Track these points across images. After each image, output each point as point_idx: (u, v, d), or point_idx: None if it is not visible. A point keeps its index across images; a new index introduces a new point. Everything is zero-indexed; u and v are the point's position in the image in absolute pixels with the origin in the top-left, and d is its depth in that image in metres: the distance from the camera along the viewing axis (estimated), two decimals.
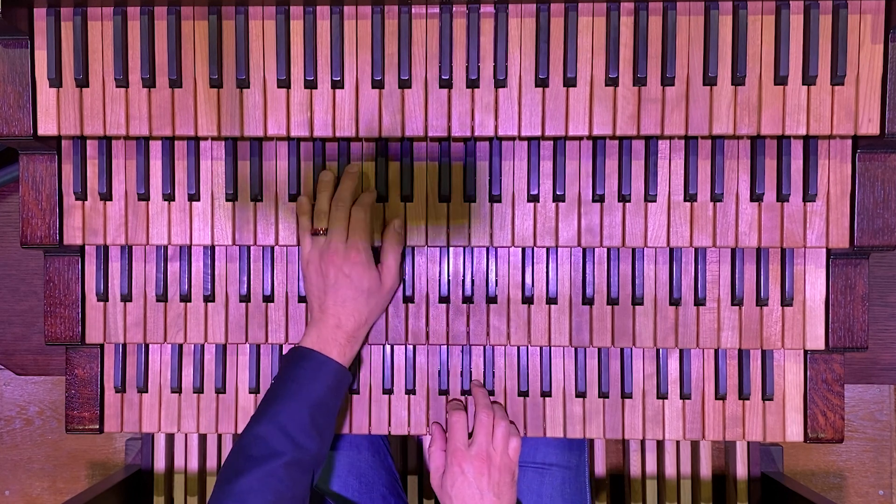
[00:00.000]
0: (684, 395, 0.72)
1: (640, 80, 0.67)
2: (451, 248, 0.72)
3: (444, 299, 0.72)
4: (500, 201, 0.70)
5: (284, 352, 0.74)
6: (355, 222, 0.67)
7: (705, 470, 1.19)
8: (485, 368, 0.73)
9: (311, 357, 0.65)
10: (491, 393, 0.73)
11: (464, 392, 0.73)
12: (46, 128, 0.69)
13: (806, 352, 0.72)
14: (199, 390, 0.74)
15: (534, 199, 0.70)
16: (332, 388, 0.65)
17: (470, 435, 0.70)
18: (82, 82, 0.69)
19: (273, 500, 0.60)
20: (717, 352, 0.72)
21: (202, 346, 0.74)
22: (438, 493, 0.70)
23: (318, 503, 0.77)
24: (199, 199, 0.71)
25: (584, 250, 0.71)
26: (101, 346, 0.74)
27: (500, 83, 0.68)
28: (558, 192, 0.70)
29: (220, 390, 0.74)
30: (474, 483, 0.67)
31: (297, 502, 0.62)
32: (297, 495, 0.62)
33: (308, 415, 0.63)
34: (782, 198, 0.69)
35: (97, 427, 0.74)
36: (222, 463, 0.63)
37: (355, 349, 0.68)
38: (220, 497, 0.61)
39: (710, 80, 0.67)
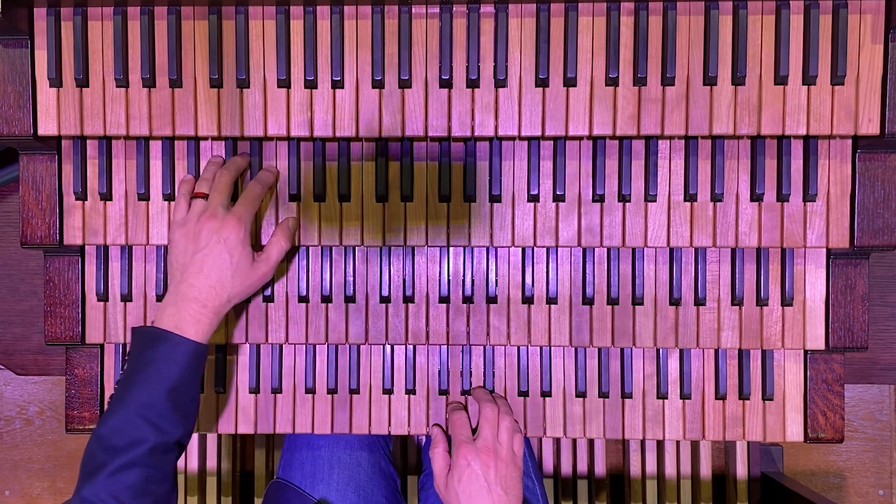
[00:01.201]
0: (684, 395, 0.72)
1: (640, 80, 0.67)
2: (451, 248, 0.72)
3: (444, 299, 0.72)
4: (500, 201, 0.70)
5: (284, 352, 0.74)
6: (247, 195, 0.66)
7: (705, 470, 1.19)
8: (485, 368, 0.73)
9: (166, 338, 0.61)
10: (490, 392, 0.73)
11: (464, 392, 0.73)
12: (46, 128, 0.69)
13: (806, 352, 0.72)
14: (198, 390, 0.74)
15: (534, 199, 0.70)
16: (190, 369, 0.62)
17: (474, 430, 0.70)
18: (82, 82, 0.69)
19: (140, 483, 0.58)
20: (717, 352, 0.72)
21: None
22: (443, 493, 0.69)
23: None
24: None
25: (584, 250, 0.71)
26: (101, 346, 0.74)
27: (500, 83, 0.68)
28: (558, 192, 0.70)
29: (220, 390, 0.74)
30: (482, 476, 0.66)
31: (166, 481, 0.61)
32: (165, 475, 0.61)
33: (167, 399, 0.60)
34: (782, 198, 0.69)
35: None
36: (82, 460, 0.61)
37: (212, 325, 0.64)
38: (88, 492, 0.58)
39: (710, 80, 0.67)
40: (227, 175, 0.66)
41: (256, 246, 0.70)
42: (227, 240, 0.63)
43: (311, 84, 0.69)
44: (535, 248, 0.72)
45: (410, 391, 0.73)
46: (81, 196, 0.71)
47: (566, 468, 1.21)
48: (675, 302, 0.71)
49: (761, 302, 0.70)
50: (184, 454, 1.20)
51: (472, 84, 0.68)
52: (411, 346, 0.73)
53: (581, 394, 0.72)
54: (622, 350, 0.72)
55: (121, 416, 0.60)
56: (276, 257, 0.67)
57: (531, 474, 0.84)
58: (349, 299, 0.72)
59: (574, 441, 1.21)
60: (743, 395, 0.72)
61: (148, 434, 0.59)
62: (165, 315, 0.63)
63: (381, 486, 0.83)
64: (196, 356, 0.62)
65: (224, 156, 0.71)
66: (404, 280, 0.72)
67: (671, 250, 0.71)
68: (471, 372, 0.73)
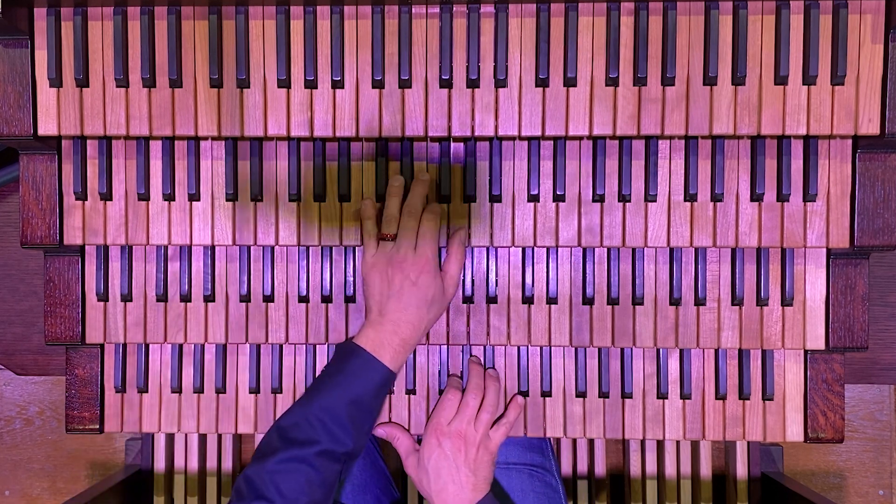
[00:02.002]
0: (684, 395, 0.72)
1: (640, 80, 0.67)
2: None
3: None
4: (500, 201, 0.70)
5: (284, 352, 0.74)
6: (425, 231, 0.67)
7: (705, 470, 1.19)
8: (485, 368, 0.73)
9: (360, 355, 0.65)
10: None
11: (463, 391, 0.73)
12: (46, 128, 0.69)
13: (806, 352, 0.72)
14: (199, 390, 0.74)
15: (534, 199, 0.70)
16: (375, 389, 0.65)
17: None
18: (82, 82, 0.69)
19: (303, 482, 0.61)
20: (717, 352, 0.72)
21: (202, 346, 0.74)
22: (414, 472, 0.71)
23: None
24: (199, 199, 0.71)
25: (585, 250, 0.71)
26: (102, 346, 0.74)
27: (500, 83, 0.68)
28: (558, 192, 0.70)
29: (221, 390, 0.74)
30: (451, 457, 0.68)
31: (325, 488, 0.63)
32: (325, 481, 0.63)
33: (346, 409, 0.64)
34: (782, 198, 0.69)
35: (97, 427, 0.74)
36: (258, 445, 0.66)
37: (406, 355, 0.68)
38: (253, 472, 0.62)
39: (710, 80, 0.67)
40: (415, 216, 0.67)
41: None
42: (419, 282, 0.66)
43: (311, 84, 0.69)
44: (535, 248, 0.72)
45: (410, 391, 0.73)
46: (81, 196, 0.71)
47: (566, 468, 1.21)
48: (675, 302, 0.71)
49: (761, 302, 0.70)
50: (184, 454, 1.21)
51: (472, 84, 0.68)
52: None
53: (581, 394, 0.72)
54: (622, 350, 0.72)
55: (303, 413, 0.64)
56: (457, 274, 0.70)
57: (554, 473, 0.84)
58: (349, 299, 0.72)
59: (574, 441, 1.21)
60: (743, 395, 0.72)
61: (322, 436, 0.63)
62: (365, 336, 0.66)
63: (375, 478, 0.83)
64: (384, 380, 0.66)
65: (224, 156, 0.71)
66: None
67: (671, 250, 0.71)
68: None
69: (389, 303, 0.66)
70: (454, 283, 0.69)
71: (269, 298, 0.72)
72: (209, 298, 0.72)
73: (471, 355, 0.73)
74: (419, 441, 0.72)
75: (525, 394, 0.73)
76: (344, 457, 0.64)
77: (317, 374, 0.73)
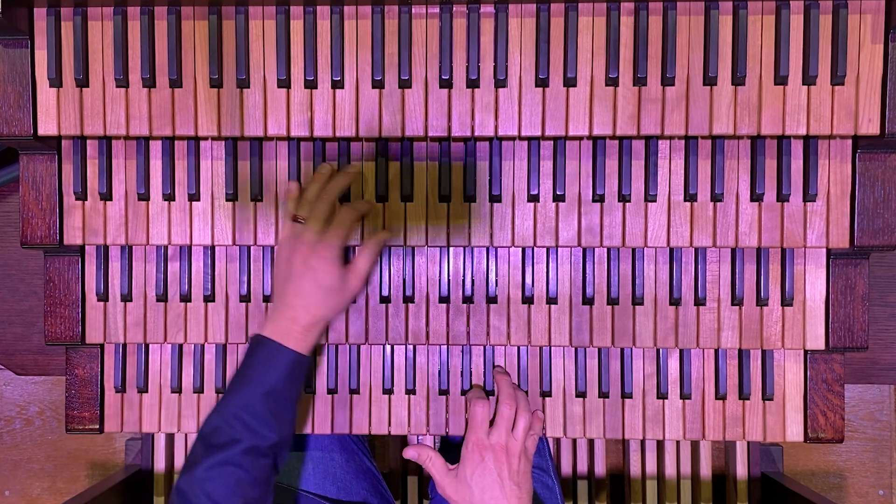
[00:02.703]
0: (684, 395, 0.72)
1: (640, 80, 0.67)
2: (451, 248, 0.72)
3: (445, 299, 0.72)
4: (500, 201, 0.70)
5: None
6: (340, 220, 0.67)
7: (705, 470, 1.19)
8: (485, 368, 0.73)
9: (265, 345, 0.65)
10: (491, 393, 0.73)
11: (463, 392, 0.73)
12: (46, 128, 0.69)
13: (806, 352, 0.72)
14: (199, 390, 0.74)
15: (534, 199, 0.70)
16: (287, 376, 0.65)
17: (491, 423, 0.70)
18: (82, 82, 0.69)
19: (233, 484, 0.61)
20: (717, 352, 0.72)
21: (202, 346, 0.74)
22: (452, 490, 0.69)
23: (291, 499, 0.77)
24: (199, 199, 0.71)
25: (584, 250, 0.71)
26: (101, 346, 0.74)
27: (500, 83, 0.68)
28: (558, 192, 0.70)
29: (221, 390, 0.74)
30: (495, 471, 0.67)
31: (258, 484, 0.63)
32: (257, 479, 0.63)
33: (263, 402, 0.63)
34: (782, 198, 0.69)
35: (97, 427, 0.74)
36: (187, 455, 0.66)
37: (312, 340, 0.67)
38: (183, 483, 0.62)
39: (710, 80, 0.67)
40: (326, 201, 0.67)
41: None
42: (317, 268, 0.66)
43: (311, 84, 0.69)
44: (535, 248, 0.72)
45: (410, 391, 0.73)
46: (81, 196, 0.71)
47: (566, 468, 1.21)
48: (675, 302, 0.71)
49: (761, 302, 0.70)
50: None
51: (472, 84, 0.68)
52: (411, 346, 0.73)
53: (581, 394, 0.72)
54: (622, 350, 0.72)
55: (220, 416, 0.63)
56: (364, 271, 0.69)
57: (551, 473, 0.84)
58: None
59: (574, 441, 1.21)
60: (743, 395, 0.72)
61: (243, 434, 0.62)
62: (268, 325, 0.66)
63: (361, 479, 0.83)
64: (293, 364, 0.65)
65: (224, 156, 0.71)
66: (404, 280, 0.72)
67: (671, 250, 0.71)
68: (471, 372, 0.73)
69: (288, 286, 0.66)
70: (359, 278, 0.68)
71: (268, 298, 0.72)
72: (209, 298, 0.72)
73: (494, 365, 0.73)
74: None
75: (525, 394, 0.73)
76: (271, 450, 0.64)
77: (316, 374, 0.74)
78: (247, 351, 0.67)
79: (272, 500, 0.65)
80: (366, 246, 0.69)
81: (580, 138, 0.70)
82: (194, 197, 0.71)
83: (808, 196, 0.69)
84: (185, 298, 0.73)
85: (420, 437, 0.75)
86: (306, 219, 0.67)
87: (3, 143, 0.76)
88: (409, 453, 0.72)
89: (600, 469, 1.22)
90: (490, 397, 0.72)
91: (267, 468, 0.64)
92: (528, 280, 0.72)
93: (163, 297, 0.73)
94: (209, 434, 0.63)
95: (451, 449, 0.86)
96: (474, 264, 0.72)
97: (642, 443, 1.21)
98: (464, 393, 0.73)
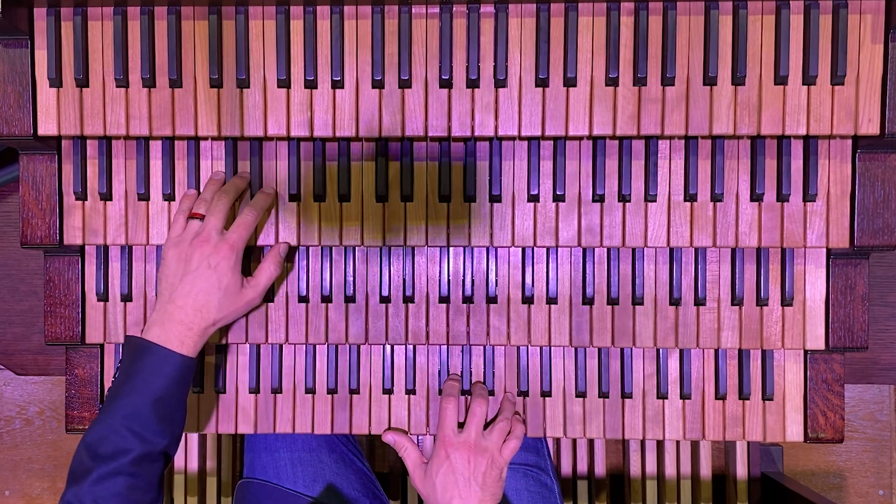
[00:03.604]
0: (684, 395, 0.72)
1: (640, 80, 0.67)
2: (451, 248, 0.72)
3: (444, 299, 0.72)
4: (500, 201, 0.70)
5: (284, 352, 0.74)
6: (242, 221, 0.66)
7: (705, 470, 1.19)
8: (485, 368, 0.73)
9: (152, 351, 0.62)
10: (491, 393, 0.73)
11: (464, 392, 0.73)
12: (46, 128, 0.69)
13: (806, 352, 0.72)
14: (199, 390, 0.74)
15: (534, 199, 0.70)
16: (176, 381, 0.63)
17: (461, 425, 0.70)
18: (82, 82, 0.69)
19: (124, 492, 0.59)
20: (717, 352, 0.72)
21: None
22: (420, 485, 0.70)
23: (280, 501, 0.77)
24: None
25: (584, 250, 0.71)
26: (101, 346, 0.74)
27: (500, 83, 0.68)
28: (558, 192, 0.70)
29: (221, 390, 0.74)
30: (458, 470, 0.67)
31: (151, 489, 0.62)
32: (151, 482, 0.62)
33: (152, 410, 0.61)
34: (782, 198, 0.69)
35: None
36: (71, 464, 0.63)
37: (200, 342, 0.65)
38: (71, 495, 0.60)
39: (710, 80, 0.67)
40: (226, 199, 0.66)
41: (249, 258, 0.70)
42: (218, 266, 0.64)
43: (311, 84, 0.69)
44: (535, 248, 0.72)
45: (410, 391, 0.73)
46: (81, 196, 0.71)
47: (566, 468, 1.21)
48: (675, 302, 0.71)
49: (761, 302, 0.70)
50: (184, 454, 1.21)
51: (472, 84, 0.68)
52: (411, 346, 0.73)
53: (581, 394, 0.72)
54: (622, 350, 0.72)
55: (107, 425, 0.61)
56: (264, 284, 0.68)
57: (550, 472, 0.84)
58: (349, 299, 0.72)
59: (574, 441, 1.21)
60: (743, 395, 0.72)
61: (132, 444, 0.60)
62: (153, 329, 0.64)
63: (352, 480, 0.82)
64: (182, 369, 0.63)
65: (224, 156, 0.71)
66: (404, 280, 0.72)
67: (671, 250, 0.71)
68: (471, 372, 0.73)
69: (181, 286, 0.64)
70: (257, 290, 0.67)
71: (268, 298, 0.72)
72: None
73: (471, 382, 0.73)
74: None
75: (525, 394, 0.73)
76: (162, 452, 0.63)
77: (316, 374, 0.74)
78: (128, 355, 0.64)
79: (162, 499, 0.64)
80: (266, 258, 0.68)
81: (580, 138, 0.70)
82: None
83: (808, 196, 0.69)
84: None
85: (420, 438, 0.75)
86: (205, 216, 0.65)
87: (3, 143, 0.76)
88: (388, 438, 0.72)
89: (600, 469, 1.22)
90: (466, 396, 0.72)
91: (158, 469, 0.63)
92: (528, 280, 0.72)
93: None
94: (95, 444, 0.60)
95: None
96: (474, 264, 0.72)
97: (642, 443, 1.21)
98: (464, 393, 0.73)
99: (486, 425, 0.71)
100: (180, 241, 0.66)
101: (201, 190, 0.70)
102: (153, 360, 0.62)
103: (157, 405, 0.61)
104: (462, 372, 0.73)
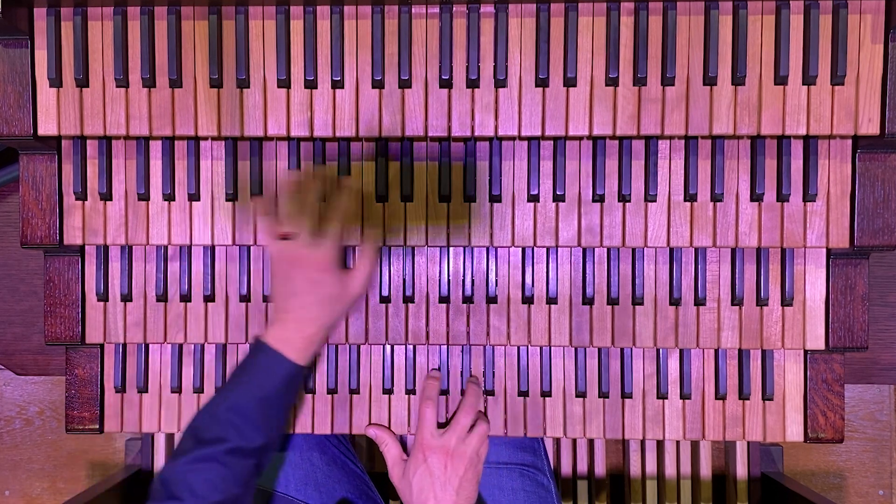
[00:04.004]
0: (684, 395, 0.72)
1: (640, 80, 0.67)
2: (451, 248, 0.72)
3: (444, 299, 0.72)
4: (500, 201, 0.70)
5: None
6: (327, 228, 0.67)
7: (705, 470, 1.19)
8: (485, 368, 0.73)
9: (266, 352, 0.66)
10: (491, 393, 0.73)
11: (463, 392, 0.73)
12: (46, 128, 0.69)
13: (806, 352, 0.72)
14: (199, 390, 0.74)
15: (534, 199, 0.70)
16: (282, 385, 0.66)
17: (440, 426, 0.71)
18: (82, 82, 0.69)
19: (215, 479, 0.62)
20: (717, 352, 0.72)
21: (202, 345, 0.74)
22: (398, 483, 0.71)
23: (270, 502, 0.77)
24: (199, 199, 0.71)
25: (584, 250, 0.71)
26: (101, 346, 0.74)
27: (500, 83, 0.68)
28: (558, 192, 0.70)
29: None
30: (435, 472, 0.68)
31: (240, 483, 0.63)
32: (239, 477, 0.63)
33: (255, 407, 0.64)
34: (782, 198, 0.69)
35: (97, 427, 0.74)
36: (178, 442, 0.66)
37: (315, 350, 0.68)
38: (167, 471, 0.63)
39: (710, 80, 0.67)
40: (311, 217, 0.66)
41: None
42: (320, 280, 0.66)
43: (311, 84, 0.69)
44: (535, 248, 0.72)
45: (410, 391, 0.73)
46: (81, 196, 0.71)
47: (566, 468, 1.21)
48: (675, 302, 0.71)
49: (761, 302, 0.70)
50: None
51: (472, 84, 0.68)
52: (411, 346, 0.73)
53: (581, 394, 0.72)
54: (622, 350, 0.72)
55: (212, 412, 0.64)
56: (366, 274, 0.69)
57: (546, 472, 0.84)
58: None
59: (574, 441, 1.21)
60: (743, 395, 0.72)
61: (231, 435, 0.63)
62: (271, 332, 0.67)
63: (343, 481, 0.82)
64: (291, 375, 0.66)
65: (224, 156, 0.71)
66: (404, 280, 0.72)
67: (671, 250, 0.71)
68: (471, 372, 0.73)
69: (291, 300, 0.67)
70: (361, 283, 0.69)
71: (268, 298, 0.72)
72: (209, 298, 0.72)
73: (471, 374, 0.73)
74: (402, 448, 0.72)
75: (525, 394, 0.73)
76: (256, 452, 0.64)
77: (316, 374, 0.74)
78: (248, 352, 0.67)
79: (252, 500, 0.66)
80: (364, 249, 0.69)
81: (580, 138, 0.70)
82: (194, 197, 0.71)
83: (808, 196, 0.69)
84: (185, 298, 0.73)
85: (409, 435, 0.74)
86: (294, 235, 0.66)
87: (3, 143, 0.76)
88: (370, 432, 0.73)
89: (600, 469, 1.22)
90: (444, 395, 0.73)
91: (249, 468, 0.64)
92: (528, 280, 0.72)
93: (163, 297, 0.73)
94: (199, 427, 0.64)
95: None
96: (474, 264, 0.72)
97: (642, 443, 1.21)
98: (463, 393, 0.73)
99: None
100: (277, 262, 0.68)
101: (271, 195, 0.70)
102: (265, 360, 0.66)
103: (261, 404, 0.64)
104: (462, 372, 0.73)
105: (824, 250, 0.71)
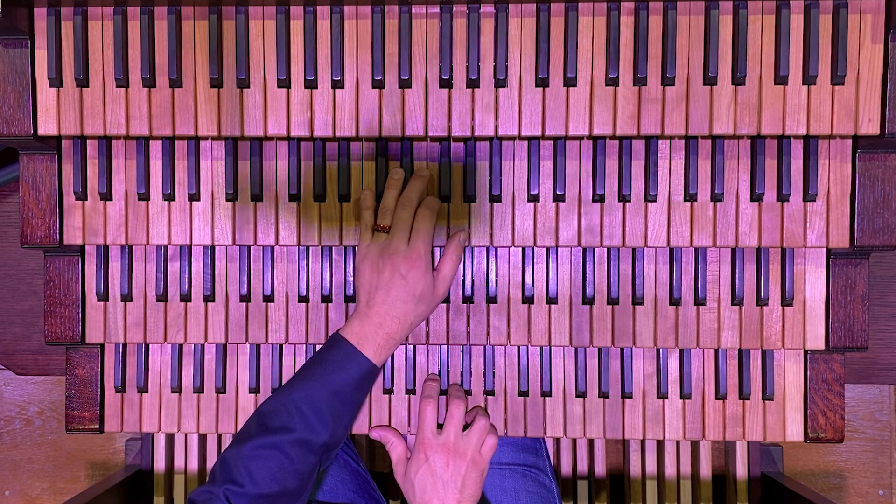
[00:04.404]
0: (684, 395, 0.72)
1: (640, 80, 0.67)
2: None
3: (444, 299, 0.72)
4: (500, 201, 0.70)
5: (284, 352, 0.74)
6: (420, 226, 0.67)
7: (705, 470, 1.19)
8: (485, 368, 0.73)
9: (343, 346, 0.66)
10: (491, 393, 0.73)
11: (466, 392, 0.73)
12: (46, 128, 0.69)
13: (806, 352, 0.72)
14: (199, 390, 0.74)
15: (534, 198, 0.70)
16: (355, 383, 0.66)
17: (440, 426, 0.71)
18: (82, 82, 0.69)
19: (275, 469, 0.62)
20: (717, 352, 0.72)
21: (202, 346, 0.74)
22: (401, 482, 0.71)
23: None
24: (199, 199, 0.71)
25: (584, 250, 0.71)
26: (102, 345, 0.74)
27: (500, 83, 0.68)
28: (558, 192, 0.70)
29: (221, 390, 0.74)
30: (437, 472, 0.68)
31: (299, 477, 0.63)
32: (299, 471, 0.63)
33: (326, 400, 0.64)
34: (782, 198, 0.69)
35: (97, 427, 0.74)
36: (242, 426, 0.67)
37: (391, 350, 0.68)
38: (229, 454, 0.63)
39: (710, 80, 0.67)
40: (409, 212, 0.67)
41: None
42: (409, 277, 0.66)
43: (311, 84, 0.69)
44: (535, 248, 0.72)
45: (410, 391, 0.73)
46: (81, 196, 0.71)
47: (566, 468, 1.21)
48: (675, 302, 0.71)
49: (761, 302, 0.70)
50: (184, 454, 1.21)
51: (472, 84, 0.68)
52: (411, 346, 0.73)
53: (581, 394, 0.72)
54: (622, 350, 0.72)
55: (282, 401, 0.64)
56: (451, 275, 0.69)
57: (548, 472, 0.84)
58: (349, 299, 0.72)
59: (574, 441, 1.21)
60: (743, 395, 0.72)
61: (298, 425, 0.63)
62: (351, 327, 0.67)
63: (348, 482, 0.82)
64: (365, 373, 0.66)
65: (224, 156, 0.71)
66: None
67: (671, 250, 0.71)
68: (471, 372, 0.73)
69: (377, 295, 0.66)
70: (446, 283, 0.69)
71: (269, 298, 0.72)
72: (209, 298, 0.72)
73: (472, 385, 0.73)
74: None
75: (525, 394, 0.73)
76: (321, 448, 0.64)
77: None
78: (325, 345, 0.67)
79: (307, 497, 0.66)
80: (449, 249, 0.69)
81: (580, 138, 0.70)
82: (194, 197, 0.71)
83: (808, 196, 0.69)
84: (185, 298, 0.73)
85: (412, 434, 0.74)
86: (391, 228, 0.67)
87: (3, 143, 0.76)
88: (374, 434, 0.73)
89: (600, 469, 1.22)
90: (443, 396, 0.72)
91: (311, 464, 0.64)
92: (528, 280, 0.72)
93: (163, 297, 0.73)
94: (267, 414, 0.64)
95: None
96: (474, 264, 0.72)
97: (642, 443, 1.21)
98: (466, 393, 0.73)
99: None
100: (369, 254, 0.67)
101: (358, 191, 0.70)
102: (341, 355, 0.65)
103: (332, 398, 0.64)
104: (462, 372, 0.73)
105: (824, 250, 0.71)
